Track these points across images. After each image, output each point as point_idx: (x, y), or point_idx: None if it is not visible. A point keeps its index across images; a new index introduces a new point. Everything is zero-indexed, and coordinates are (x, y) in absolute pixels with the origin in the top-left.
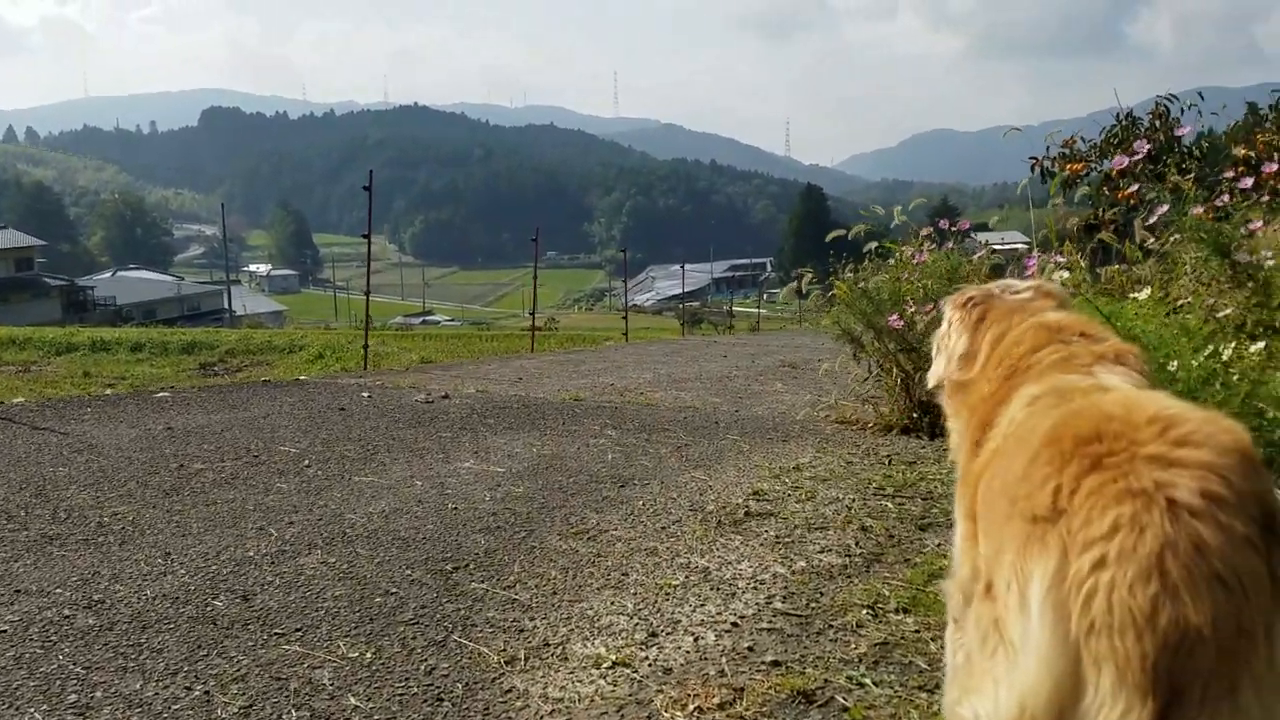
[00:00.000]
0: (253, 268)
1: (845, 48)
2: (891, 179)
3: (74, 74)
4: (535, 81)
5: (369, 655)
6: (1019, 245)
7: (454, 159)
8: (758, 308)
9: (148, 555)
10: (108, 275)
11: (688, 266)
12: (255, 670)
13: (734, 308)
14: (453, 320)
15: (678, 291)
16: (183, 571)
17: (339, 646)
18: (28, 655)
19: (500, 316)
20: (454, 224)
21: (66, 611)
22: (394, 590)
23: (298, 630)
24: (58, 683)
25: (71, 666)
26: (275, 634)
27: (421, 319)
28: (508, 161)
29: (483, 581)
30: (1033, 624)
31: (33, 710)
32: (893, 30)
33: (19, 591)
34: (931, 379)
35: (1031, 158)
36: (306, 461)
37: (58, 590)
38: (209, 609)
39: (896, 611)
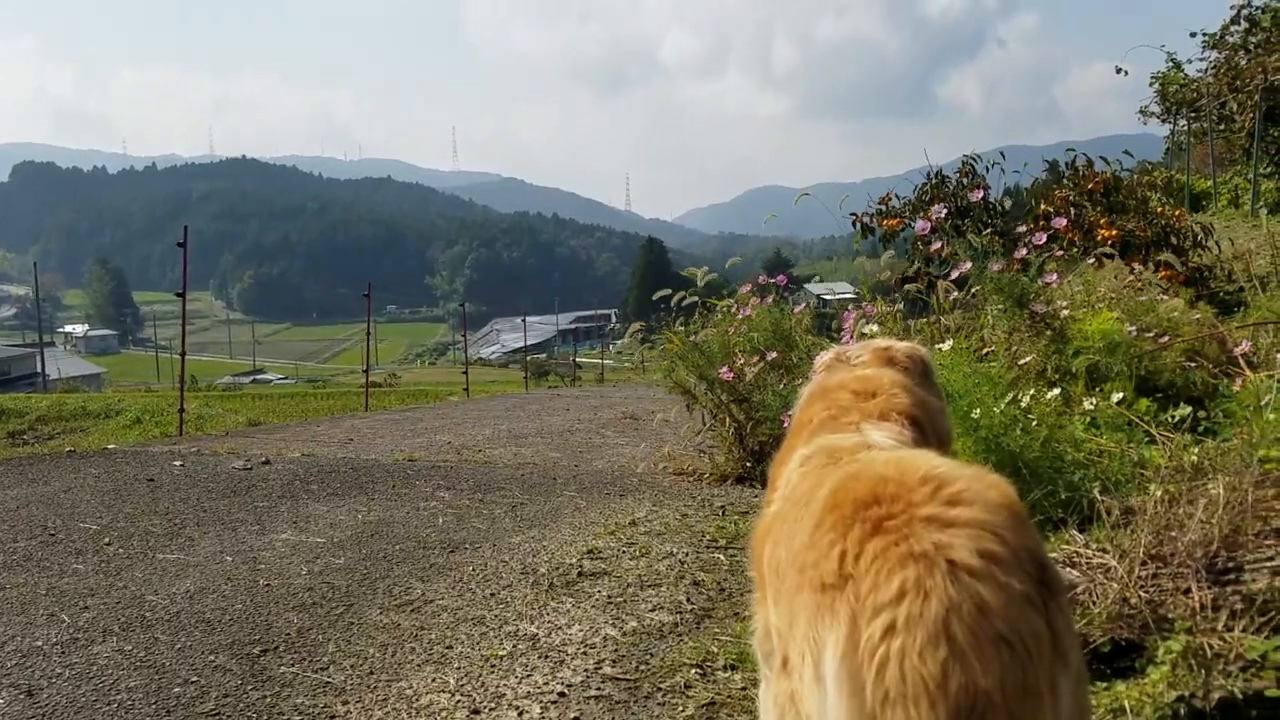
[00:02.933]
0: (69, 328)
1: (677, 106)
2: (728, 232)
3: None
4: (371, 135)
5: None
6: (846, 295)
7: (286, 212)
8: (602, 359)
9: None
10: None
11: (534, 318)
12: None
13: (580, 359)
14: (286, 378)
15: (523, 344)
16: None
17: None
18: None
19: (337, 373)
20: (287, 279)
21: None
22: (195, 678)
23: None
24: None
25: None
26: None
27: (252, 378)
28: (344, 215)
29: (293, 664)
30: (829, 697)
31: None
32: (722, 90)
33: None
34: None
35: (852, 214)
36: (107, 539)
37: None
38: None
39: (725, 669)
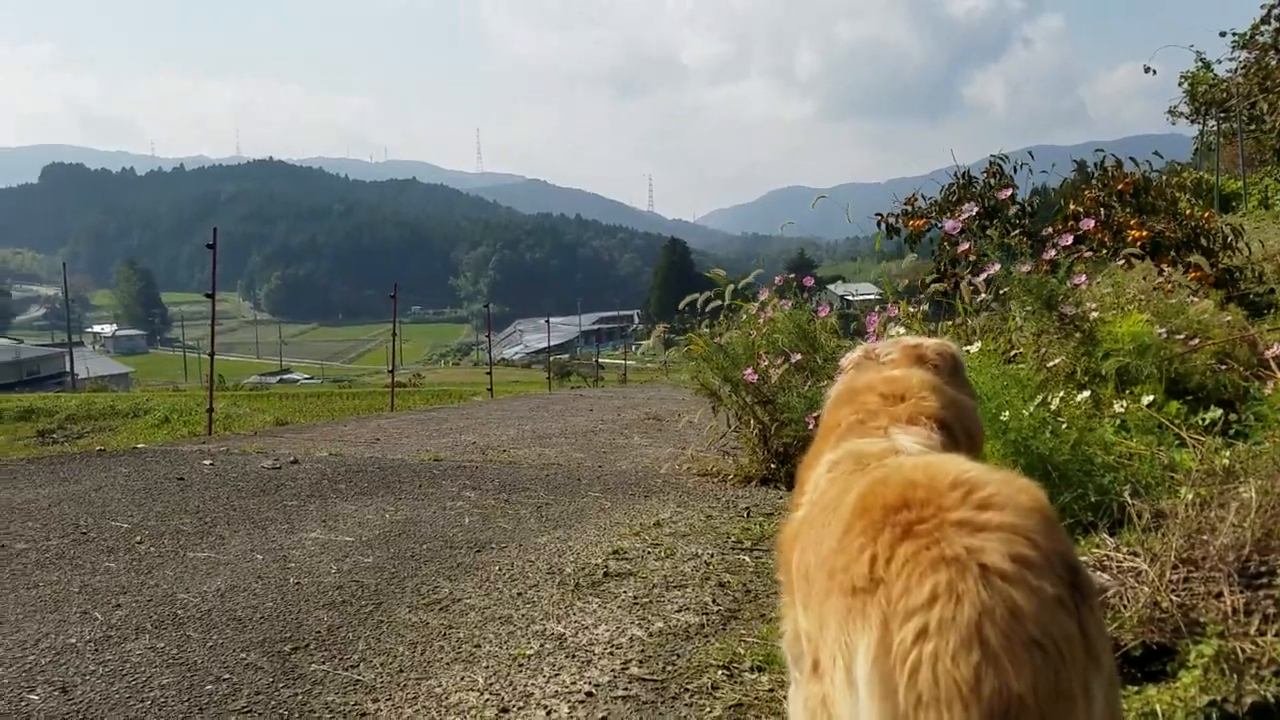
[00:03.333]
0: (97, 328)
1: (700, 108)
2: (751, 233)
3: None
4: (396, 138)
5: None
6: (870, 297)
7: (313, 214)
8: (625, 360)
9: None
10: None
11: (557, 319)
12: None
13: (602, 360)
14: (312, 378)
15: (546, 344)
16: None
17: None
18: None
19: (363, 373)
20: (313, 280)
21: None
22: (227, 676)
23: None
24: None
25: None
26: None
27: (278, 378)
28: (370, 216)
29: (324, 662)
30: (861, 701)
31: None
32: (744, 92)
33: None
34: None
35: (877, 214)
36: (138, 537)
37: None
38: (23, 704)
39: (751, 670)
